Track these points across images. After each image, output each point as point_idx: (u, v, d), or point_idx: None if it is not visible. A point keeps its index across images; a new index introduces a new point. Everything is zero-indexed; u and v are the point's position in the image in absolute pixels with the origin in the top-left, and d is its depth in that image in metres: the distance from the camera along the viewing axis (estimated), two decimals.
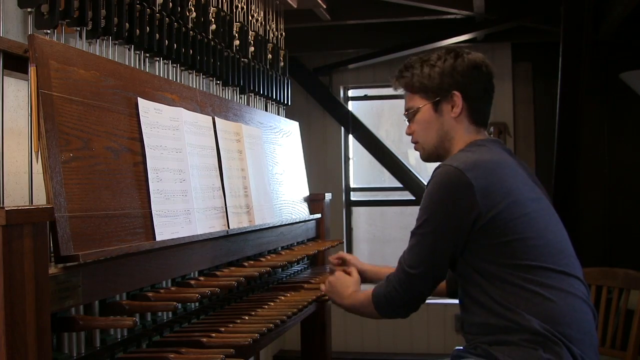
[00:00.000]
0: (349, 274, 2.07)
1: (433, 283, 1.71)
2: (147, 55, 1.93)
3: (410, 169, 4.85)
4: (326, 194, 3.04)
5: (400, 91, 1.87)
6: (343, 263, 2.19)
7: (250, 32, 2.61)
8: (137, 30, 1.82)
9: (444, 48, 1.83)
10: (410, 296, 1.71)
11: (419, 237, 1.67)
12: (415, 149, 1.87)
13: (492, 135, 4.64)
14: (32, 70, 1.37)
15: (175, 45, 1.99)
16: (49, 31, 1.55)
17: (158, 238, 1.63)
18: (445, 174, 1.63)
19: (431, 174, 1.69)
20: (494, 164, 1.66)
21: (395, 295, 1.72)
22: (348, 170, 5.07)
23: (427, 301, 1.77)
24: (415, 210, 1.72)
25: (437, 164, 1.74)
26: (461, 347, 1.71)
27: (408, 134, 1.87)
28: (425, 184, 1.89)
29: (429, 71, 1.77)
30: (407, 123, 1.86)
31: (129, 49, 1.85)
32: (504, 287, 1.60)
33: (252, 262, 2.14)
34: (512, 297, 1.58)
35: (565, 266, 1.64)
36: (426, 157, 1.86)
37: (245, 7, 2.60)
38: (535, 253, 1.60)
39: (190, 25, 2.12)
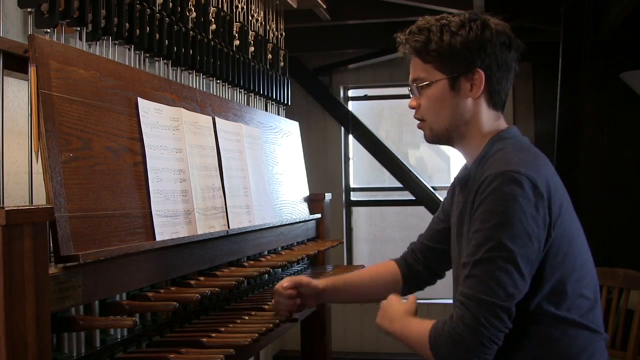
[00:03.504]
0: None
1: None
2: (147, 55, 1.93)
3: (410, 169, 4.84)
4: (326, 194, 3.04)
5: (402, 52, 1.56)
6: (297, 288, 1.76)
7: (250, 32, 2.61)
8: (137, 31, 1.82)
9: (465, 13, 1.54)
10: (495, 338, 1.33)
11: (496, 262, 1.32)
12: (419, 127, 1.58)
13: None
14: (32, 70, 1.38)
15: (175, 45, 2.00)
16: (48, 31, 1.55)
17: (158, 238, 1.63)
18: (514, 182, 1.33)
19: (482, 183, 1.38)
20: (545, 168, 1.41)
21: (474, 334, 1.32)
22: (348, 170, 5.07)
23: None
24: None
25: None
26: None
27: (412, 107, 1.57)
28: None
29: (450, 39, 1.47)
30: (412, 95, 1.56)
31: (129, 49, 1.85)
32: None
33: (252, 262, 2.14)
34: None
35: (597, 318, 1.44)
36: (433, 139, 1.57)
37: (245, 7, 2.60)
38: (570, 301, 1.40)
39: (190, 25, 2.12)
